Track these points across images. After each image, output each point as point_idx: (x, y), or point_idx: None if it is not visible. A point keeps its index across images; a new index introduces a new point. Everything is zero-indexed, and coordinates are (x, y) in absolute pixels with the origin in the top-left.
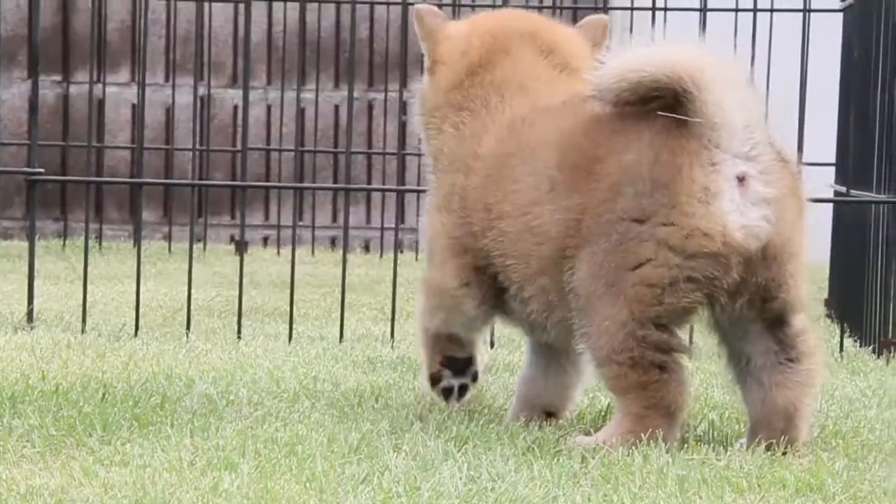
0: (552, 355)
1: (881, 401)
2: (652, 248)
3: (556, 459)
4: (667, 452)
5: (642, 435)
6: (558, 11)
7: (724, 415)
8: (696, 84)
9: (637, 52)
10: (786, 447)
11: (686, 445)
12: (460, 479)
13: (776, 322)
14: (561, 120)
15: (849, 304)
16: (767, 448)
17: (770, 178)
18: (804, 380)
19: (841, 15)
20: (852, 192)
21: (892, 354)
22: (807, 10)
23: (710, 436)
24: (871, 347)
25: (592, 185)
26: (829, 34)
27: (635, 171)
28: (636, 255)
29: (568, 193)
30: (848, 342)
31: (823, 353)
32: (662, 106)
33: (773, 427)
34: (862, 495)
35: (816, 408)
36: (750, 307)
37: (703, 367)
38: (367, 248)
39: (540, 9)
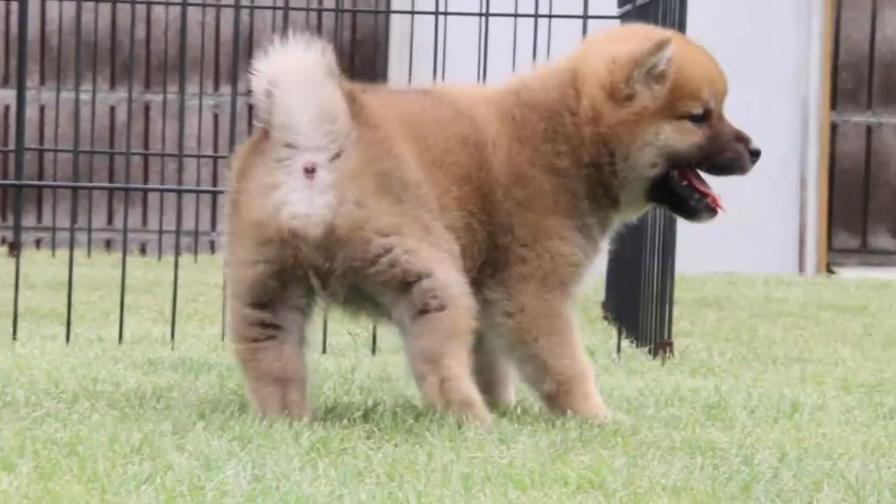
0: None
1: (658, 400)
2: (235, 239)
3: (340, 458)
4: (296, 421)
5: (257, 404)
6: (340, 14)
7: (507, 413)
8: (272, 88)
9: (264, 62)
10: (442, 386)
11: (468, 443)
12: (244, 478)
13: (402, 286)
14: None
15: (625, 306)
16: (550, 445)
17: (339, 166)
18: (441, 326)
19: (619, 21)
20: None
21: (667, 355)
22: (585, 17)
23: (493, 434)
24: (647, 348)
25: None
26: None
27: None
28: (231, 246)
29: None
30: (625, 343)
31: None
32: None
33: (420, 373)
34: (641, 492)
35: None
36: (346, 281)
37: None
38: (143, 251)
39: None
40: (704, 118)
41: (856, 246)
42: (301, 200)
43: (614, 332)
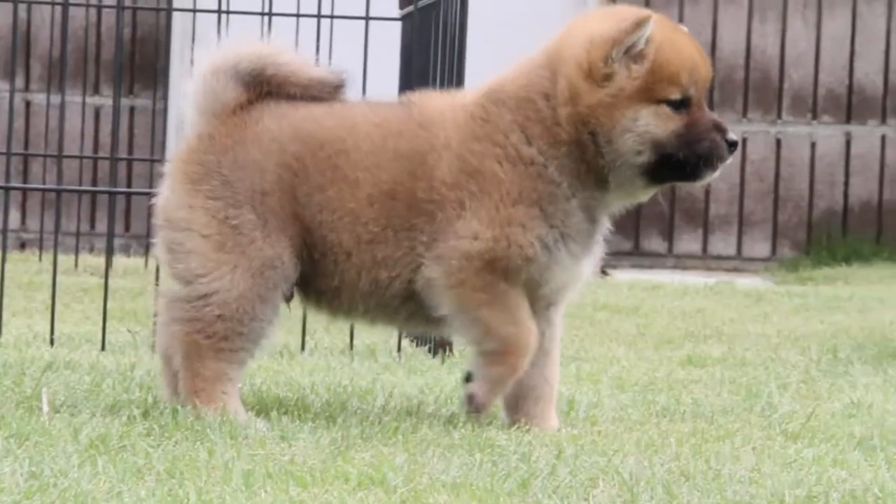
0: None
1: (438, 398)
2: None
3: (119, 455)
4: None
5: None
6: (121, 11)
7: (286, 411)
8: None
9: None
10: None
11: (249, 441)
12: (21, 475)
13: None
14: None
15: None
16: (331, 442)
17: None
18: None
19: (400, 23)
20: None
21: (447, 354)
22: (367, 18)
23: (274, 431)
24: (426, 347)
25: None
26: (388, 41)
27: None
28: None
29: None
30: (405, 343)
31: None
32: None
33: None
34: (421, 488)
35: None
36: None
37: (266, 366)
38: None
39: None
40: (684, 104)
41: (628, 248)
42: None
43: (385, 329)
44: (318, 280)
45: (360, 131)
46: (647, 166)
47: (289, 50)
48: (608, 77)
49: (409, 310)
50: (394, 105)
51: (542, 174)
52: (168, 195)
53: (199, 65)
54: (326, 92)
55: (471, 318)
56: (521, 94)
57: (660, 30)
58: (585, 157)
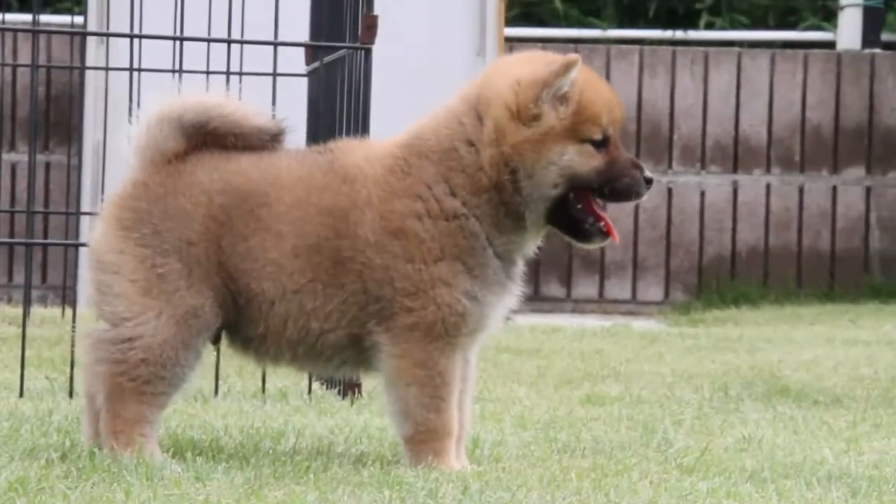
0: None
1: (348, 438)
2: None
3: (38, 497)
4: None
5: None
6: (35, 70)
7: (200, 452)
8: None
9: None
10: None
11: (165, 481)
12: None
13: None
14: None
15: None
16: (245, 482)
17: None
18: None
19: (306, 79)
20: None
21: (356, 396)
22: (274, 74)
23: (189, 472)
24: (336, 389)
25: None
26: (295, 96)
27: None
28: None
29: None
30: (315, 385)
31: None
32: None
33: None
34: None
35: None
36: None
37: (181, 410)
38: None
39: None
40: (604, 144)
41: (529, 294)
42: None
43: (306, 374)
44: (245, 327)
45: (285, 184)
46: (557, 200)
47: (233, 100)
48: (536, 117)
49: (342, 358)
50: (318, 156)
51: (463, 227)
52: (100, 238)
53: (144, 112)
54: (266, 141)
55: (397, 395)
56: (444, 144)
57: (581, 73)
58: (503, 199)
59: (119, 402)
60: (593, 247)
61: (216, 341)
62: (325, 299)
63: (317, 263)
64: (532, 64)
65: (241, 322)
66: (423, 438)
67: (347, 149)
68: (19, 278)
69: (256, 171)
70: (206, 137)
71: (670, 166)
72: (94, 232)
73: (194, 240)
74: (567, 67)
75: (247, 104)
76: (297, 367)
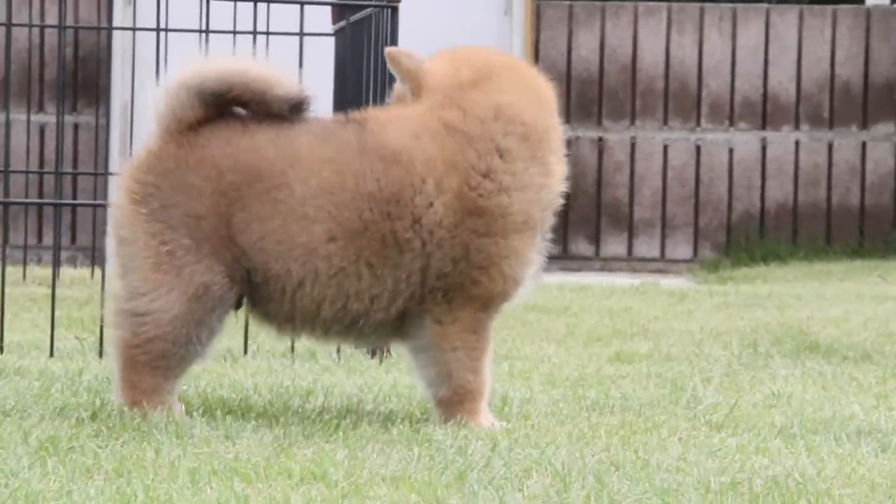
0: None
1: (376, 396)
2: None
3: (69, 456)
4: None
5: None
6: (63, 31)
7: (230, 411)
8: None
9: None
10: None
11: (195, 440)
12: None
13: None
14: None
15: None
16: (274, 440)
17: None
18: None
19: (333, 38)
20: None
21: (385, 355)
22: (301, 34)
23: (218, 430)
24: (366, 348)
25: None
26: (323, 56)
27: None
28: None
29: None
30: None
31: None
32: None
33: None
34: (362, 482)
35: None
36: None
37: (210, 369)
38: None
39: (33, 26)
40: None
41: (557, 252)
42: None
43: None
44: (263, 304)
45: (306, 166)
46: None
47: (257, 66)
48: None
49: (381, 333)
50: (343, 132)
51: (541, 198)
52: (115, 210)
53: (169, 78)
54: (288, 110)
55: (439, 358)
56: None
57: None
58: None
59: (134, 373)
60: None
61: (238, 307)
62: (373, 281)
63: (361, 247)
64: None
65: (257, 298)
66: (461, 400)
67: (378, 123)
68: (48, 239)
69: (272, 150)
70: (227, 105)
71: (699, 124)
72: (113, 202)
73: (203, 213)
74: None
75: (272, 70)
76: (323, 340)
